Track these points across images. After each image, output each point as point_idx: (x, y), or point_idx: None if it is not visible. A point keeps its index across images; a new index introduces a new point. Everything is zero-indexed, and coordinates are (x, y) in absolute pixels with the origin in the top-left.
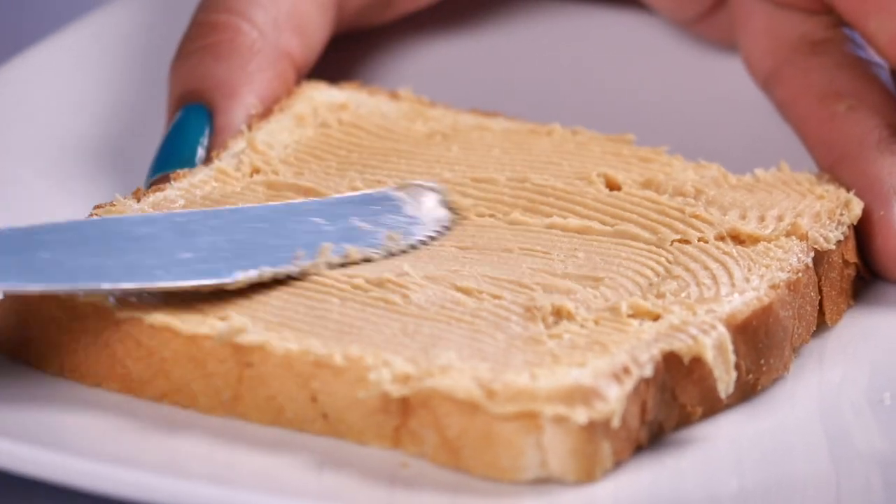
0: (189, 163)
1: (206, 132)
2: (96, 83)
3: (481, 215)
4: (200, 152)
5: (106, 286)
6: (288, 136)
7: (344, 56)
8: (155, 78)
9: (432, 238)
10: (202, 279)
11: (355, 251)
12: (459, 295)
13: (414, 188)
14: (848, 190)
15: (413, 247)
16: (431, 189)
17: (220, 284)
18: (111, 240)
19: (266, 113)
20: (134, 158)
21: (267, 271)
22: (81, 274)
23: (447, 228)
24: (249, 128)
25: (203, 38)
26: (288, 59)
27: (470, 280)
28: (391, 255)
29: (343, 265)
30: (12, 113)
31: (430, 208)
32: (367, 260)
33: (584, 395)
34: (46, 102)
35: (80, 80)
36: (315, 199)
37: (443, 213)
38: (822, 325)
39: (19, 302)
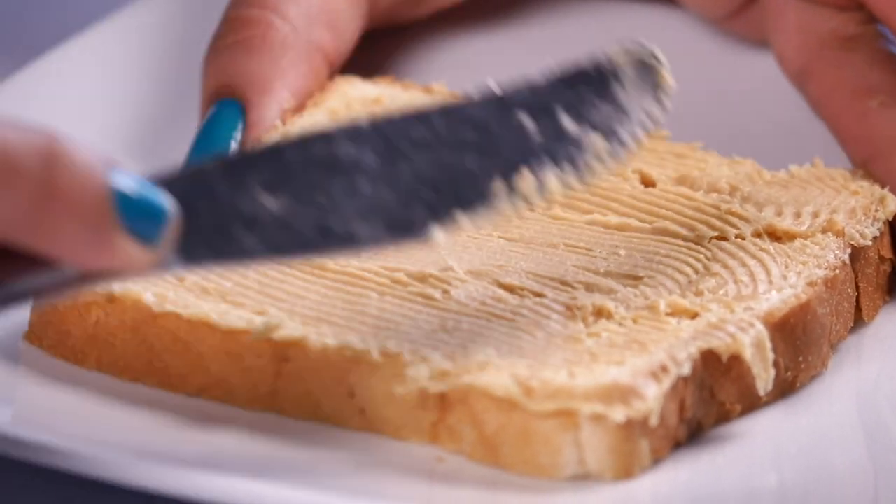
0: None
1: (239, 127)
2: (127, 80)
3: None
4: (234, 147)
5: (312, 256)
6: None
7: (377, 51)
8: (187, 74)
9: (639, 139)
10: (397, 236)
11: (555, 182)
12: (501, 292)
13: (626, 54)
14: (882, 186)
15: (617, 157)
16: (645, 58)
17: (416, 241)
18: (314, 169)
19: (299, 108)
20: (167, 154)
21: (463, 221)
22: (281, 237)
23: (656, 124)
24: (283, 122)
25: (235, 33)
26: (320, 53)
27: (513, 276)
28: (590, 178)
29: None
30: (43, 111)
31: (638, 89)
32: (568, 188)
33: (622, 393)
34: (78, 100)
35: (112, 78)
36: (525, 79)
37: (651, 100)
38: (858, 321)
39: None
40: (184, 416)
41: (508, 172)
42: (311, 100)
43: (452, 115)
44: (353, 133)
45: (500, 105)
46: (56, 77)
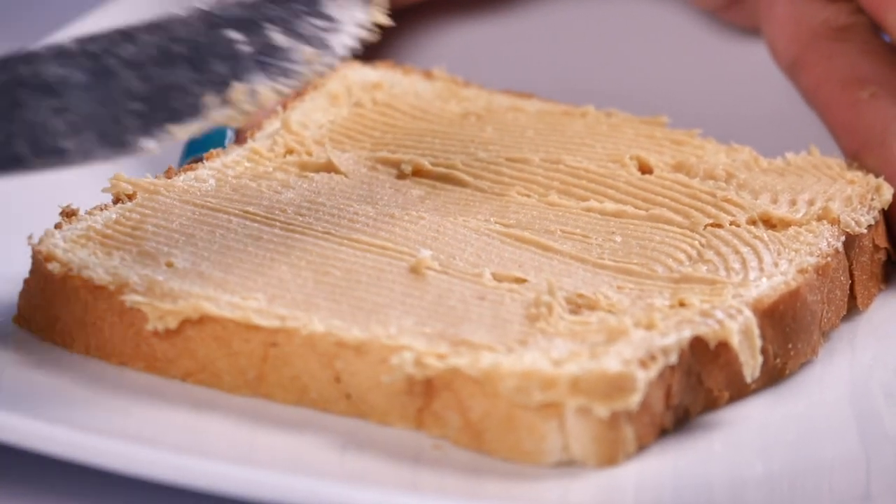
0: (219, 143)
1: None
2: None
3: (521, 194)
4: (230, 133)
5: (18, 173)
6: (322, 116)
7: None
8: None
9: (351, 49)
10: (109, 149)
11: (267, 90)
12: (490, 279)
13: None
14: (876, 176)
15: (329, 66)
16: None
17: (128, 154)
18: (20, 90)
19: (300, 92)
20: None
21: (176, 132)
22: None
23: (366, 37)
24: (284, 107)
25: None
26: None
27: (503, 265)
28: (301, 84)
29: (254, 107)
30: None
31: (349, 2)
32: (280, 94)
33: (608, 382)
34: None
35: None
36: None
37: (362, 14)
38: (853, 309)
39: (45, 280)
40: (171, 400)
41: (220, 85)
42: (311, 83)
43: (160, 33)
44: (60, 53)
45: (209, 21)
46: None
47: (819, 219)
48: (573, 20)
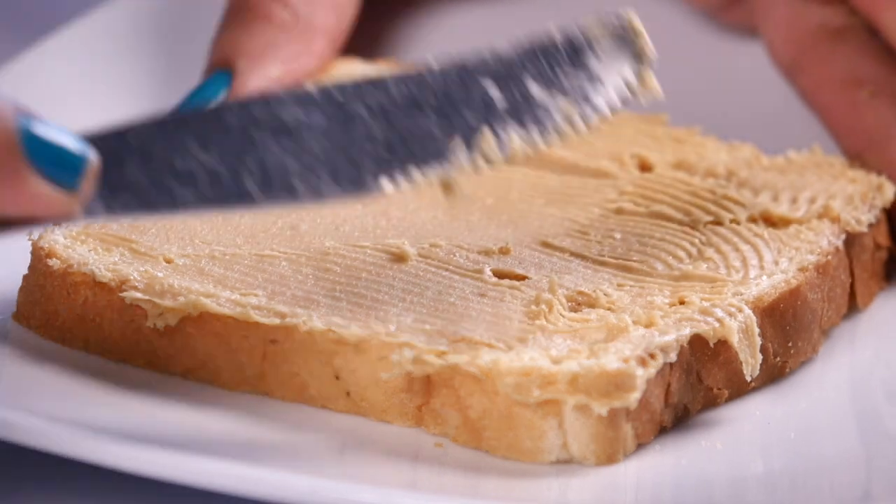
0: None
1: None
2: (129, 62)
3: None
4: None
5: (247, 209)
6: None
7: (377, 32)
8: (187, 57)
9: (612, 111)
10: (344, 192)
11: (519, 141)
12: (490, 276)
13: (601, 24)
14: (878, 175)
15: (589, 121)
16: (620, 28)
17: (363, 196)
18: (256, 130)
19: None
20: None
21: (415, 176)
22: (212, 190)
23: (631, 94)
24: None
25: (239, 16)
26: (325, 35)
27: (501, 260)
28: (556, 141)
29: (505, 159)
30: (45, 92)
31: (614, 59)
32: (533, 149)
33: (608, 380)
34: (78, 81)
35: (113, 59)
36: (492, 49)
37: (628, 69)
38: (853, 307)
39: (44, 276)
40: (170, 397)
41: (468, 132)
42: (310, 81)
43: (410, 83)
44: (301, 98)
45: (463, 72)
46: (58, 59)
47: (820, 217)
48: (573, 19)
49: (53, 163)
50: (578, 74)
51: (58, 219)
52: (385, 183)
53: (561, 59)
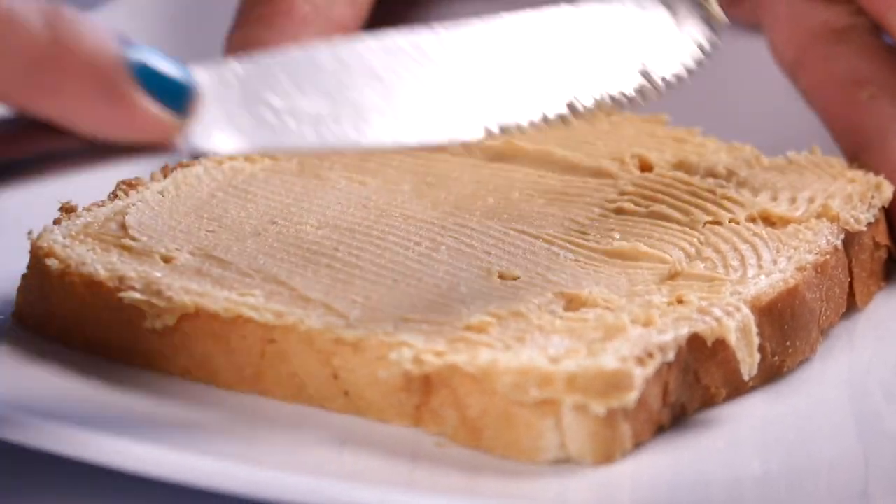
0: None
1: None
2: None
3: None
4: None
5: (364, 143)
6: None
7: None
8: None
9: (689, 71)
10: (449, 134)
11: (606, 99)
12: (492, 276)
13: None
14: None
15: (669, 84)
16: None
17: (465, 141)
18: (351, 74)
19: None
20: None
21: (511, 128)
22: (330, 127)
23: (706, 54)
24: None
25: (257, 10)
26: (341, 30)
27: (502, 262)
28: (644, 97)
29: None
30: None
31: (687, 22)
32: (630, 101)
33: (606, 380)
34: None
35: None
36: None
37: (700, 32)
38: (852, 307)
39: (43, 276)
40: (168, 397)
41: (559, 89)
42: None
43: (486, 29)
44: (387, 45)
45: (541, 27)
46: None
47: (819, 216)
48: None
49: (161, 86)
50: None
51: (163, 147)
52: (482, 132)
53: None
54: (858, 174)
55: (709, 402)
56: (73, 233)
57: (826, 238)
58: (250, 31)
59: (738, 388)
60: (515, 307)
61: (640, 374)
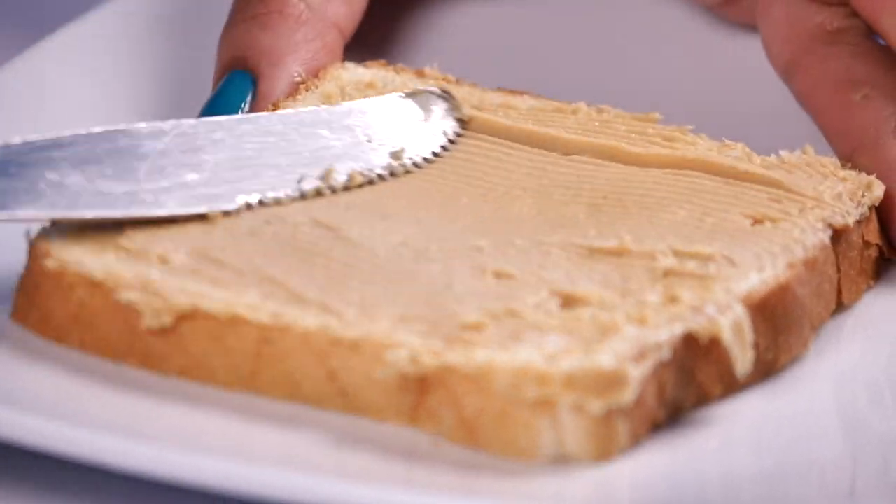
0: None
1: (249, 98)
2: (138, 57)
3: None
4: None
5: (115, 213)
6: None
7: (371, 35)
8: (197, 51)
9: (436, 155)
10: (206, 204)
11: (358, 174)
12: (487, 274)
13: (422, 95)
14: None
15: (416, 165)
16: (439, 96)
17: (223, 210)
18: (120, 158)
19: (293, 92)
20: None
21: (269, 196)
22: (87, 199)
23: (452, 142)
24: (275, 108)
25: (251, 9)
26: (336, 29)
27: (498, 262)
28: (393, 175)
29: (346, 188)
30: (54, 87)
31: (437, 117)
32: (370, 182)
33: (602, 379)
34: (90, 76)
35: (122, 54)
36: (324, 106)
37: (450, 124)
38: (840, 304)
39: (40, 275)
40: (165, 396)
41: (312, 165)
42: (303, 85)
43: (252, 123)
44: (156, 132)
45: (300, 119)
46: (66, 54)
47: (808, 212)
48: (565, 17)
49: None
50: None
51: None
52: (239, 199)
53: (390, 114)
54: (851, 174)
55: (703, 399)
56: (71, 233)
57: (815, 234)
58: (244, 31)
59: (732, 386)
60: (511, 306)
61: (637, 373)
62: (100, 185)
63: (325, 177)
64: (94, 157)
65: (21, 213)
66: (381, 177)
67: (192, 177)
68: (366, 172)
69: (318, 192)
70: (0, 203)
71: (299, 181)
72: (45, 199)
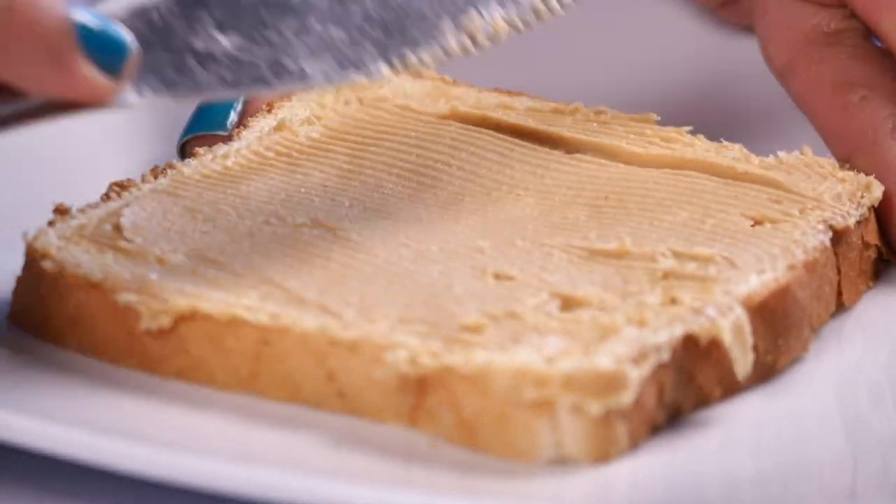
0: (221, 126)
1: (239, 103)
2: None
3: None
4: (233, 116)
5: (265, 91)
6: (310, 116)
7: None
8: None
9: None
10: (346, 74)
11: (501, 23)
12: (487, 276)
13: None
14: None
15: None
16: None
17: (363, 81)
18: (264, 10)
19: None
20: (172, 131)
21: (411, 60)
22: (233, 75)
23: None
24: (270, 107)
25: None
26: None
27: (498, 264)
28: (533, 20)
29: (489, 39)
30: None
31: None
32: (515, 29)
33: (601, 381)
34: None
35: None
36: None
37: None
38: (840, 305)
39: (38, 277)
40: (164, 398)
41: (456, 13)
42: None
43: None
44: None
45: None
46: None
47: (808, 214)
48: (562, 18)
49: (101, 49)
50: None
51: (98, 104)
52: (383, 68)
53: None
54: (849, 175)
55: (703, 401)
56: (68, 234)
57: (815, 236)
58: None
59: (732, 387)
60: (511, 307)
61: (636, 375)
62: (244, 50)
63: (467, 27)
64: (238, 13)
65: (168, 96)
66: (526, 24)
67: (337, 33)
68: (509, 18)
69: (465, 50)
70: (147, 83)
71: (438, 35)
72: (191, 78)
